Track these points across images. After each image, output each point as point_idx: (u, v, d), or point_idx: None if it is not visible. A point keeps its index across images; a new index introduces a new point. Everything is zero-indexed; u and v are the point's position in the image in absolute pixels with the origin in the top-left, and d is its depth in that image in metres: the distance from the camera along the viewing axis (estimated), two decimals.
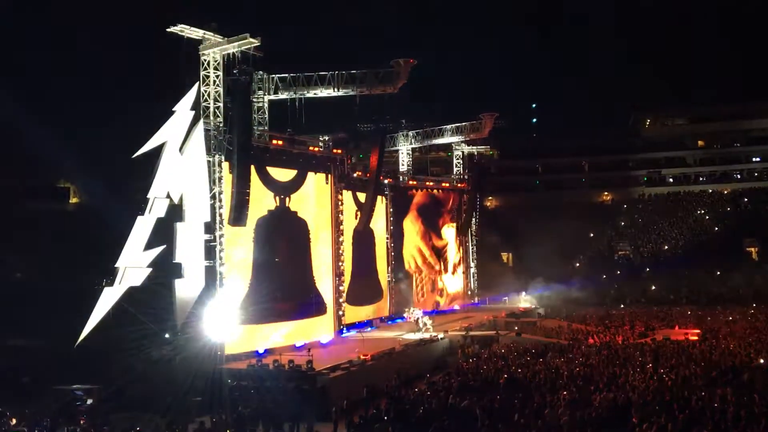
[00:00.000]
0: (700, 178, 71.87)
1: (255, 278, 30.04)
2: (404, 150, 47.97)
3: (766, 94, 67.30)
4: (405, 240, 45.11)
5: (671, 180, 72.48)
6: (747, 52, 76.09)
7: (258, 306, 29.80)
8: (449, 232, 50.49)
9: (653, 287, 55.19)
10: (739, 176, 71.07)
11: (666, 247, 61.23)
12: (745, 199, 67.24)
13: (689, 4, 79.52)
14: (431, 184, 49.56)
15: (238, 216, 27.55)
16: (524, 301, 51.28)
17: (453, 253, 50.88)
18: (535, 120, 79.84)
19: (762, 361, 24.09)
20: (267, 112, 34.43)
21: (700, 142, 73.79)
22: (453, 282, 50.58)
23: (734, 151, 71.84)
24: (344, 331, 35.23)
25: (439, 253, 49.13)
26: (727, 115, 71.13)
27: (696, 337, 33.35)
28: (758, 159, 70.92)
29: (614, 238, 64.22)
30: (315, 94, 34.73)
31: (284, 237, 32.28)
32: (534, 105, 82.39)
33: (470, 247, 53.56)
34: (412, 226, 46.07)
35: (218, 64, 28.33)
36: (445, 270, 49.59)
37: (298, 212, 33.07)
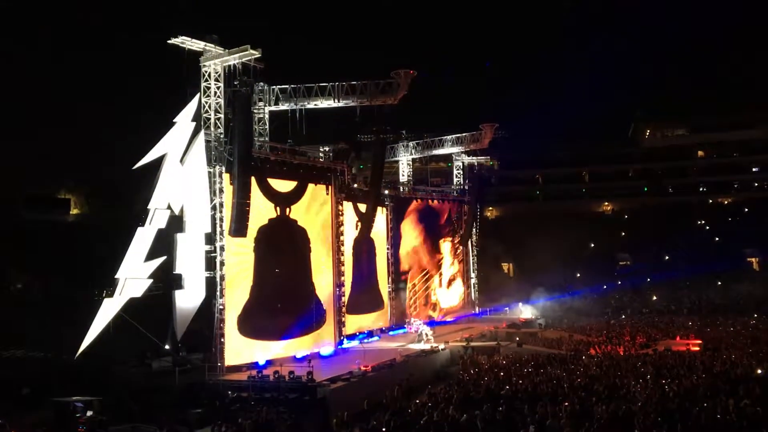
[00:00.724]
0: (701, 188, 71.87)
1: (255, 288, 30.00)
2: (404, 160, 48.08)
3: (766, 104, 67.30)
4: (402, 241, 44.81)
5: (671, 190, 72.49)
6: (747, 61, 76.35)
7: (258, 318, 29.77)
8: (445, 246, 50.33)
9: (654, 297, 55.13)
10: (738, 186, 71.10)
11: (667, 258, 61.18)
12: (746, 209, 67.23)
13: (689, 13, 79.87)
14: (432, 194, 49.55)
15: (239, 227, 27.56)
16: (525, 311, 51.13)
17: (447, 267, 50.56)
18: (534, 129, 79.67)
19: (760, 371, 23.98)
20: (268, 123, 34.56)
21: (700, 153, 73.88)
22: (447, 296, 50.26)
23: (734, 161, 71.92)
24: (345, 342, 35.14)
25: (437, 265, 48.97)
26: (727, 125, 71.23)
27: (697, 348, 33.29)
28: (757, 169, 70.96)
29: (615, 248, 64.18)
30: (315, 105, 34.84)
31: (285, 248, 32.27)
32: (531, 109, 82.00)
33: (471, 258, 53.47)
34: (411, 230, 45.96)
35: (219, 75, 28.49)
36: (440, 283, 49.41)
37: (299, 222, 33.10)
